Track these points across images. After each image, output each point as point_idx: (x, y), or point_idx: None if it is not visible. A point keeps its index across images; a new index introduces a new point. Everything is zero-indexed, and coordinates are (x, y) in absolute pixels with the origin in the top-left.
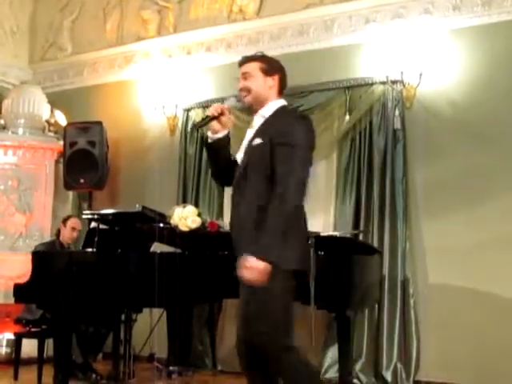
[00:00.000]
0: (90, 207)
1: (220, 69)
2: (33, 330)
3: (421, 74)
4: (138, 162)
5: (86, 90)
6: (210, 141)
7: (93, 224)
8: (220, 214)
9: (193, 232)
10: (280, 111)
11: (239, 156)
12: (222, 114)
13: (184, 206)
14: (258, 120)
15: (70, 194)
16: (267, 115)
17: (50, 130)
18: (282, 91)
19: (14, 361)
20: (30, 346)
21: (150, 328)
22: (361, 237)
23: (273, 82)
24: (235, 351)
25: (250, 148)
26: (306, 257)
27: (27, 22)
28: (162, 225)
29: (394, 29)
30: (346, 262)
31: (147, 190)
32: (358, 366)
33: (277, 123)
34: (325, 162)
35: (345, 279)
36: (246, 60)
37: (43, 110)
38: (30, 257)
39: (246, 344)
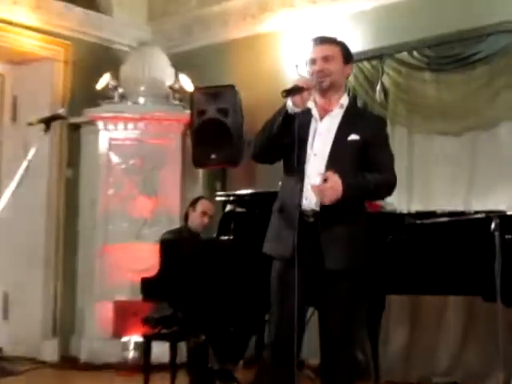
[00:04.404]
0: (223, 187)
1: (372, 14)
2: (163, 331)
3: None
4: None
5: (214, 48)
6: (290, 111)
7: (228, 207)
8: None
9: None
10: (356, 106)
11: (318, 142)
12: (307, 89)
13: None
14: (337, 110)
15: (200, 172)
16: (345, 107)
17: (174, 98)
18: None
19: (144, 366)
20: (160, 350)
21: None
22: None
23: (348, 71)
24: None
25: (344, 141)
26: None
27: None
28: None
29: None
30: None
31: None
32: None
33: (367, 121)
34: (510, 124)
35: None
36: (329, 41)
37: (166, 74)
38: (157, 246)
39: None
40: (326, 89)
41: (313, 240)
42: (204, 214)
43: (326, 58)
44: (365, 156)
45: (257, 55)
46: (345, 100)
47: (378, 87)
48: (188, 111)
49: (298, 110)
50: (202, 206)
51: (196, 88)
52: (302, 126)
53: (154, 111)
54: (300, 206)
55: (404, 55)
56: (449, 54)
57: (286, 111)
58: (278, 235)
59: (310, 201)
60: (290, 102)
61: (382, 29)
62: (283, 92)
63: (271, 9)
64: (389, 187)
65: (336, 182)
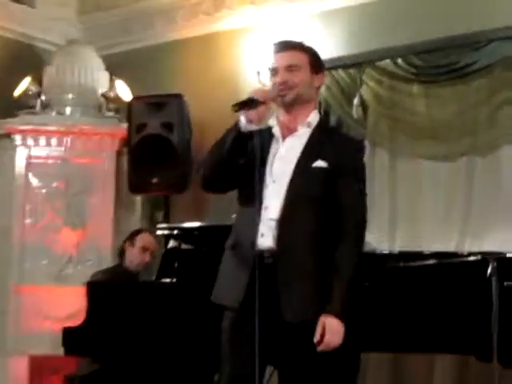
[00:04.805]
0: (166, 218)
1: (349, 14)
2: None
3: None
4: None
5: (158, 49)
6: (243, 129)
7: (171, 243)
8: None
9: None
10: (327, 125)
11: (278, 167)
12: (264, 102)
13: None
14: (303, 130)
15: (139, 199)
16: (313, 126)
17: (108, 109)
18: None
19: None
20: None
21: None
22: None
23: (318, 82)
24: None
25: (307, 168)
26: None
27: None
28: None
29: None
30: None
31: None
32: None
33: (340, 145)
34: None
35: None
36: (294, 47)
37: (99, 79)
38: (83, 289)
39: None
40: (290, 104)
41: (270, 285)
42: (145, 249)
43: (289, 68)
44: (330, 188)
45: (210, 58)
46: (314, 118)
47: (356, 101)
48: (125, 125)
49: (252, 127)
50: (142, 240)
51: (135, 97)
52: (261, 147)
53: (83, 124)
54: (254, 244)
55: (387, 63)
56: (441, 63)
57: (238, 129)
58: (228, 279)
59: (267, 237)
60: (243, 118)
61: (362, 31)
62: (234, 105)
63: (229, 6)
64: (361, 240)
65: (330, 324)
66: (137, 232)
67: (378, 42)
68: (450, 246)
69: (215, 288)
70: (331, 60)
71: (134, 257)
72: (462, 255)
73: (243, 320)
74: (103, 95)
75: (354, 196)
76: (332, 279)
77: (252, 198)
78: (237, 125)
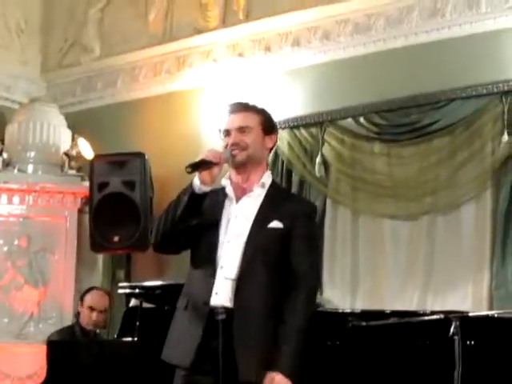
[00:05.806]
0: (127, 277)
1: (313, 70)
2: None
3: None
4: None
5: (120, 107)
6: (197, 190)
7: (133, 301)
8: None
9: None
10: (280, 186)
11: (234, 227)
12: (217, 164)
13: None
14: (258, 190)
15: (100, 257)
16: (267, 186)
17: (70, 167)
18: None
19: None
20: None
21: None
22: None
23: (271, 143)
24: None
25: (263, 228)
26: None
27: (39, 16)
28: None
29: None
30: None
31: None
32: None
33: (294, 207)
34: (473, 203)
35: None
36: (246, 109)
37: (61, 137)
38: (44, 348)
39: None
40: (242, 164)
41: (224, 343)
42: (92, 309)
43: (241, 129)
44: (286, 249)
45: (172, 117)
46: (267, 178)
47: (318, 160)
48: (87, 183)
49: (206, 188)
50: (89, 300)
51: (97, 155)
52: (214, 207)
53: (44, 182)
54: (208, 303)
55: (349, 122)
56: (402, 122)
57: (193, 191)
58: (181, 338)
59: (221, 296)
60: (197, 180)
61: (323, 90)
62: (188, 167)
63: (190, 63)
64: (311, 305)
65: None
66: (87, 291)
67: (339, 100)
68: (412, 303)
69: (166, 347)
70: (293, 119)
71: (84, 316)
72: (424, 314)
73: (197, 378)
74: (65, 153)
75: (308, 262)
76: (279, 340)
77: (204, 257)
78: (191, 186)
